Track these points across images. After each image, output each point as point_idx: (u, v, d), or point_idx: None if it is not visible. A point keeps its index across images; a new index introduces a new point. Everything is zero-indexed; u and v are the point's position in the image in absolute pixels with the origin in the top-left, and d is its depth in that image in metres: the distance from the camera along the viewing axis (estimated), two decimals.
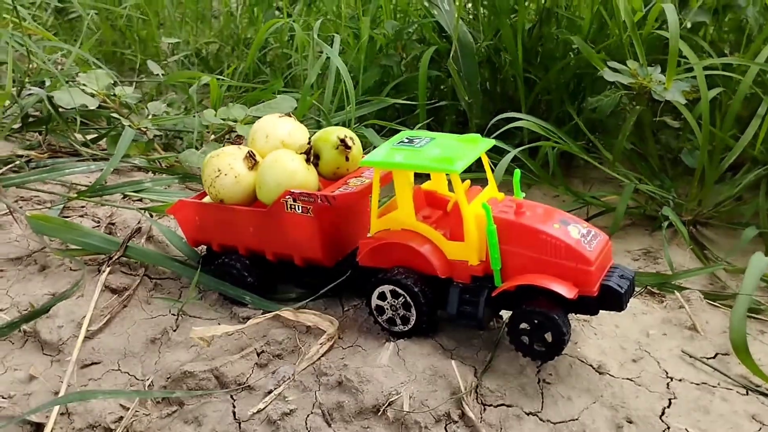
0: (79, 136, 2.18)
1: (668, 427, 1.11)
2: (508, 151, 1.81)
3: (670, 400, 1.17)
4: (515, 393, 1.16)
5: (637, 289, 1.48)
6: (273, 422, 1.14)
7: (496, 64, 2.32)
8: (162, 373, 1.28)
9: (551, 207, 1.23)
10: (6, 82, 2.10)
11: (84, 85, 2.14)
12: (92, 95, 2.13)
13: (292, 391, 1.19)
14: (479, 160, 1.30)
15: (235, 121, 2.05)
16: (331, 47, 2.18)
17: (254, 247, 1.41)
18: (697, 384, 1.21)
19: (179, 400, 1.23)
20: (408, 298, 1.22)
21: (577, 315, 1.30)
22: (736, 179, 1.88)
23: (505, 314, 1.28)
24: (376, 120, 2.18)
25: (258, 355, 1.28)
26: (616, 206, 1.84)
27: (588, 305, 1.16)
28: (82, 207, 1.78)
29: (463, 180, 1.21)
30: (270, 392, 1.19)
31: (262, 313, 1.35)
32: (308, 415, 1.15)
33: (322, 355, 1.26)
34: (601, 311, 1.18)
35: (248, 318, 1.34)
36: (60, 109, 2.11)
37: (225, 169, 1.38)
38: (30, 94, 2.18)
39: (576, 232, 1.16)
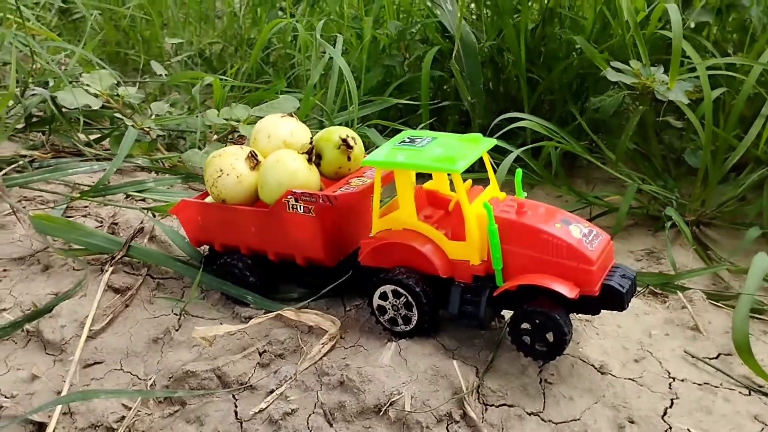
0: (82, 136, 2.18)
1: (670, 428, 1.11)
2: (511, 151, 1.81)
3: (672, 400, 1.17)
4: (517, 393, 1.16)
5: (638, 288, 1.48)
6: (275, 422, 1.14)
7: (499, 64, 2.32)
8: (164, 373, 1.29)
9: (553, 207, 1.23)
10: (10, 82, 2.10)
11: (87, 85, 2.15)
12: (95, 95, 2.13)
13: (294, 391, 1.19)
14: (481, 160, 1.30)
15: (238, 121, 2.05)
16: (334, 47, 2.18)
17: (256, 247, 1.41)
18: (700, 384, 1.21)
19: (181, 399, 1.23)
20: (410, 298, 1.22)
21: (579, 315, 1.30)
22: (740, 179, 1.87)
23: (507, 314, 1.28)
24: (379, 120, 2.18)
25: (260, 354, 1.28)
26: (619, 206, 1.83)
27: (589, 305, 1.15)
28: (85, 207, 1.78)
29: (464, 180, 1.21)
30: (272, 392, 1.19)
31: (264, 313, 1.35)
32: (310, 415, 1.15)
33: (324, 355, 1.26)
34: (603, 311, 1.18)
35: (250, 318, 1.34)
36: (63, 110, 2.12)
37: (227, 169, 1.38)
38: (33, 95, 2.18)
39: (577, 231, 1.16)
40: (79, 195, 1.80)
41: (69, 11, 3.45)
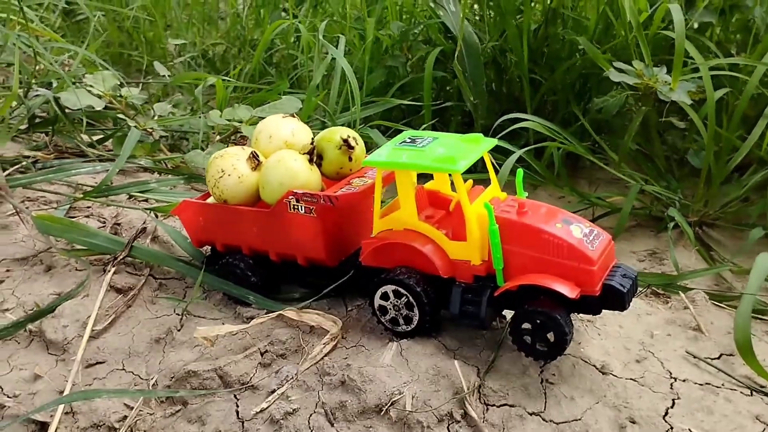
0: (85, 137, 2.19)
1: (671, 428, 1.11)
2: (514, 152, 1.81)
3: (673, 400, 1.16)
4: (518, 393, 1.16)
5: (639, 288, 1.48)
6: (276, 421, 1.14)
7: (501, 65, 2.32)
8: (166, 373, 1.29)
9: (554, 206, 1.23)
10: (13, 83, 2.11)
11: (90, 86, 2.15)
12: (99, 96, 2.14)
13: (295, 391, 1.20)
14: (482, 160, 1.30)
15: (241, 121, 2.05)
16: (337, 48, 2.18)
17: (258, 247, 1.41)
18: (701, 384, 1.20)
19: (183, 399, 1.24)
20: (411, 298, 1.22)
21: (581, 315, 1.30)
22: (743, 180, 1.87)
23: (508, 314, 1.28)
24: (382, 121, 2.18)
25: (261, 354, 1.28)
26: (622, 207, 1.83)
27: (591, 305, 1.15)
28: (88, 207, 1.78)
29: (465, 180, 1.21)
30: (273, 392, 1.20)
31: (266, 313, 1.35)
32: (311, 415, 1.15)
33: (326, 355, 1.26)
34: (604, 311, 1.18)
35: (252, 318, 1.34)
36: (66, 110, 2.12)
37: (228, 169, 1.39)
38: (37, 95, 2.19)
39: (578, 231, 1.15)
40: (82, 195, 1.81)
41: (72, 12, 3.46)
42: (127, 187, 1.87)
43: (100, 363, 1.34)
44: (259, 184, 1.39)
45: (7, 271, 1.57)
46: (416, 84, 2.34)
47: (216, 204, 1.43)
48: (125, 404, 1.24)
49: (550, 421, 1.12)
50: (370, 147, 1.86)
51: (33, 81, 2.29)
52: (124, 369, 1.32)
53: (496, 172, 1.46)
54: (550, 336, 1.14)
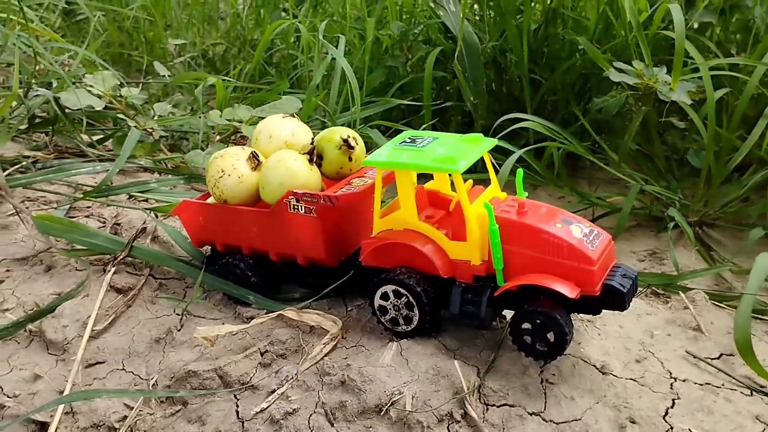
0: (85, 137, 2.19)
1: (671, 428, 1.11)
2: (514, 152, 1.81)
3: (673, 400, 1.16)
4: (518, 393, 1.16)
5: (639, 288, 1.48)
6: (276, 421, 1.14)
7: (501, 65, 2.32)
8: (166, 373, 1.29)
9: (554, 206, 1.23)
10: (13, 83, 2.11)
11: (90, 86, 2.15)
12: (99, 96, 2.14)
13: (295, 391, 1.20)
14: (482, 161, 1.30)
15: (241, 121, 2.05)
16: (337, 48, 2.18)
17: (258, 247, 1.41)
18: (701, 384, 1.20)
19: (183, 399, 1.24)
20: (411, 298, 1.22)
21: (581, 315, 1.30)
22: (743, 180, 1.87)
23: (508, 314, 1.28)
24: (382, 121, 2.18)
25: (261, 354, 1.28)
26: (622, 207, 1.83)
27: (590, 305, 1.15)
28: (88, 207, 1.78)
29: (465, 180, 1.21)
30: (273, 392, 1.20)
31: (266, 313, 1.35)
32: (311, 415, 1.15)
33: (326, 355, 1.26)
34: (604, 311, 1.18)
35: (252, 318, 1.34)
36: (66, 110, 2.12)
37: (228, 169, 1.39)
38: (37, 95, 2.19)
39: (578, 231, 1.15)
40: (82, 195, 1.81)
41: (72, 12, 3.46)
42: (127, 187, 1.87)
43: (100, 363, 1.34)
44: (259, 184, 1.39)
45: (7, 271, 1.57)
46: (416, 84, 2.34)
47: (216, 204, 1.43)
48: (125, 404, 1.24)
49: (550, 421, 1.12)
50: (370, 147, 1.86)
51: (33, 81, 2.29)
52: (124, 369, 1.32)
53: (496, 172, 1.46)
54: (550, 336, 1.14)
